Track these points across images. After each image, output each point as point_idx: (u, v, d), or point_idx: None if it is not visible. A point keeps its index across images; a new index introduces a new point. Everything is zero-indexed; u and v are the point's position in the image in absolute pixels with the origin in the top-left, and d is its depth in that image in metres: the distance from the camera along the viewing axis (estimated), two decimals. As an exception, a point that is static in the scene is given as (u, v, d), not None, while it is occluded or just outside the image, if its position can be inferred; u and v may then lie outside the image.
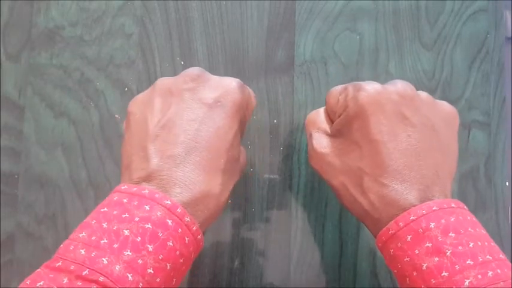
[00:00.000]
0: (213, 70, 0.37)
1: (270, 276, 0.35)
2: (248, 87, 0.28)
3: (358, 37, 0.37)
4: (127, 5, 0.37)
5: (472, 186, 0.37)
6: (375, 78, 0.37)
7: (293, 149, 0.36)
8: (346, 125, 0.27)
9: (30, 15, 0.37)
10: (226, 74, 0.37)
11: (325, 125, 0.29)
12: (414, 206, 0.24)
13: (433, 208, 0.23)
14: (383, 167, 0.25)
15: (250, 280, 0.35)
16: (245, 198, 0.36)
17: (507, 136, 0.38)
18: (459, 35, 0.38)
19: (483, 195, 0.37)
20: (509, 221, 0.37)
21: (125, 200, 0.22)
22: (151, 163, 0.24)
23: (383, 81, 0.37)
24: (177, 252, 0.22)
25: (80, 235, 0.21)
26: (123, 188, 0.23)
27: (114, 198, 0.23)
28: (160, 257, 0.21)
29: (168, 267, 0.22)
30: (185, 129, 0.25)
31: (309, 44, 0.37)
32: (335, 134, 0.28)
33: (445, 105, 0.28)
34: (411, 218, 0.23)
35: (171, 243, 0.22)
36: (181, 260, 0.23)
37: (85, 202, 0.35)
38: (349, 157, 0.27)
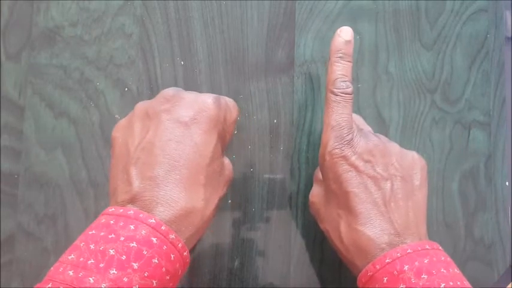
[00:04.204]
0: (213, 70, 0.37)
1: (270, 276, 0.35)
2: (227, 99, 0.29)
3: (358, 37, 0.37)
4: (127, 5, 0.37)
5: (472, 186, 0.37)
6: (375, 78, 0.37)
7: (293, 149, 0.36)
8: (325, 176, 0.29)
9: (30, 15, 0.37)
10: (226, 74, 0.37)
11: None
12: (384, 251, 0.26)
13: (408, 251, 0.25)
14: (355, 215, 0.27)
15: (250, 280, 0.35)
16: (245, 198, 0.36)
17: (507, 136, 0.38)
18: (459, 35, 0.38)
19: (483, 195, 0.37)
20: (509, 221, 0.37)
21: (111, 222, 0.23)
22: (134, 186, 0.25)
23: (384, 82, 0.37)
24: (163, 269, 0.23)
25: (69, 257, 0.22)
26: (110, 210, 0.24)
27: (102, 221, 0.24)
28: (145, 274, 0.22)
29: (155, 284, 0.22)
30: (164, 149, 0.25)
31: (309, 44, 0.37)
32: (322, 184, 0.30)
33: (412, 154, 0.30)
34: (387, 260, 0.25)
35: (156, 261, 0.22)
36: (168, 277, 0.23)
37: (85, 202, 0.35)
38: (330, 205, 0.29)
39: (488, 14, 0.39)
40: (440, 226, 0.37)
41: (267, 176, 0.36)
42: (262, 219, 0.36)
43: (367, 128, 0.32)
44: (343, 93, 0.28)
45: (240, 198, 0.36)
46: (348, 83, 0.29)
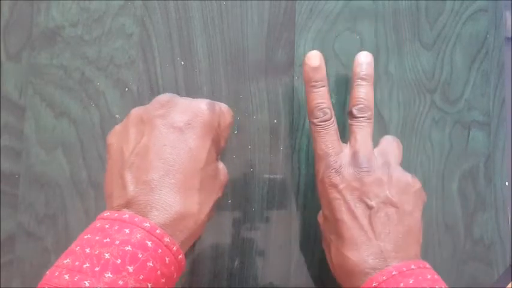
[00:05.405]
0: (213, 70, 0.37)
1: (270, 276, 0.35)
2: (221, 105, 0.29)
3: (358, 37, 0.37)
4: (127, 5, 0.37)
5: (472, 186, 0.37)
6: (375, 78, 0.37)
7: (293, 149, 0.36)
8: (321, 202, 0.31)
9: (31, 15, 0.37)
10: (226, 74, 0.37)
11: None
12: (369, 275, 0.26)
13: (393, 273, 0.25)
14: (342, 240, 0.28)
15: (250, 280, 0.35)
16: (245, 198, 0.36)
17: (507, 136, 0.38)
18: (459, 35, 0.38)
19: (483, 195, 0.37)
20: (509, 221, 0.37)
21: (106, 226, 0.24)
22: (128, 190, 0.25)
23: (383, 82, 0.37)
24: (158, 272, 0.23)
25: (65, 261, 0.22)
26: (105, 214, 0.25)
27: (97, 225, 0.24)
28: (140, 277, 0.22)
29: (149, 286, 0.22)
30: (158, 154, 0.26)
31: (309, 44, 0.37)
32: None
33: (406, 179, 0.29)
34: (373, 284, 0.26)
35: (151, 264, 0.23)
36: (163, 280, 0.23)
37: (85, 202, 0.35)
38: (325, 225, 0.31)
39: (488, 14, 0.39)
40: (440, 226, 0.37)
41: (267, 176, 0.36)
42: (262, 219, 0.36)
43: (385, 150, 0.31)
44: (322, 121, 0.30)
45: (240, 198, 0.36)
46: (325, 110, 0.30)
